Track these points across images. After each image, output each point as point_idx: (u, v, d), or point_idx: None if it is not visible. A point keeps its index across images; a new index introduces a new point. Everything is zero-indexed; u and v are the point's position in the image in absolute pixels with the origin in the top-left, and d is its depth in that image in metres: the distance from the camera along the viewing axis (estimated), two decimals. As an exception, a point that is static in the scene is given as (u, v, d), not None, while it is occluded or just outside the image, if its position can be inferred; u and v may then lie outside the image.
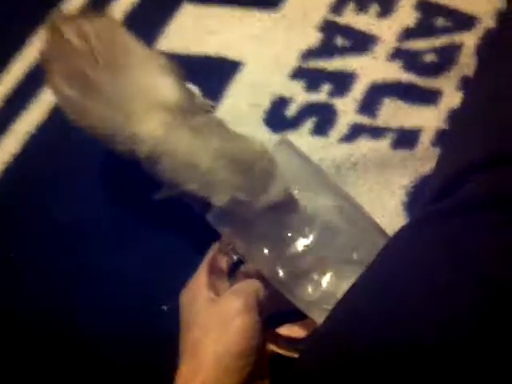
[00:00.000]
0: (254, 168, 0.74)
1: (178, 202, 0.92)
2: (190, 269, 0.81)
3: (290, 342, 0.77)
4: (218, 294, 0.75)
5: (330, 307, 0.68)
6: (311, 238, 0.76)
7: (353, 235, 0.78)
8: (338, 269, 0.76)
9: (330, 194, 0.79)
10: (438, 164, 0.78)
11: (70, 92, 0.82)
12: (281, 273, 0.76)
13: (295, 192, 0.77)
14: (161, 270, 0.93)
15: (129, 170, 0.85)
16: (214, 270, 0.78)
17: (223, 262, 0.80)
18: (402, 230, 0.66)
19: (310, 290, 0.76)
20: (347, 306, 0.65)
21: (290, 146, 0.79)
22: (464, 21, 1.10)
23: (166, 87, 0.83)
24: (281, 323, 0.80)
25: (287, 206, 0.76)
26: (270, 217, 0.76)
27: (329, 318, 0.66)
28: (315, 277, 0.76)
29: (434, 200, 0.67)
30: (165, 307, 0.90)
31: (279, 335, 0.77)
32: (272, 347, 0.76)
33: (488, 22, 1.09)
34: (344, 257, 0.76)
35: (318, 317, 0.73)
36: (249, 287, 0.74)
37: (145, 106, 0.80)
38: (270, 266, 0.77)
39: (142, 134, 0.79)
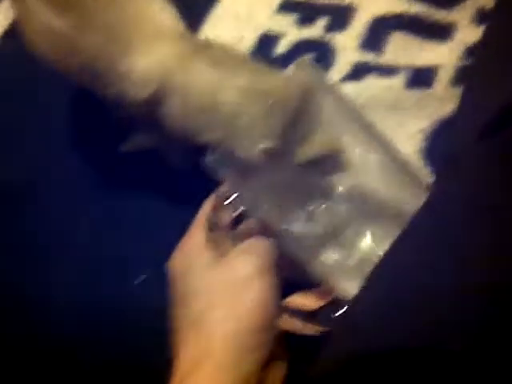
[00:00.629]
0: (292, 110, 0.58)
1: (151, 153, 0.76)
2: (172, 229, 0.64)
3: (303, 315, 0.62)
4: (221, 255, 0.59)
5: (362, 276, 0.56)
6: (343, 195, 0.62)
7: (391, 193, 0.63)
8: (374, 228, 0.61)
9: (368, 141, 0.64)
10: (467, 102, 0.65)
11: (57, 22, 0.65)
12: (300, 230, 0.60)
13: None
14: (133, 232, 0.76)
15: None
16: (212, 227, 0.62)
17: (224, 216, 0.63)
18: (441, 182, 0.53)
19: (338, 254, 0.61)
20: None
21: (315, 73, 0.63)
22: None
23: (168, 15, 0.68)
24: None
25: (331, 161, 0.61)
26: (300, 170, 0.60)
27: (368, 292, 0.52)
28: (346, 238, 0.61)
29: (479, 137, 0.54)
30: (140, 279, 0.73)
31: (288, 307, 0.61)
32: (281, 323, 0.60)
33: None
34: (381, 216, 0.61)
35: (349, 287, 0.59)
36: (260, 245, 0.59)
37: (148, 34, 0.65)
38: (287, 222, 0.62)
39: (144, 68, 0.63)
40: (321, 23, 0.92)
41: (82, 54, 0.66)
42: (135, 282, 0.75)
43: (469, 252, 0.46)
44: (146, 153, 0.78)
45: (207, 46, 0.66)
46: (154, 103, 0.64)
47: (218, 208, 0.64)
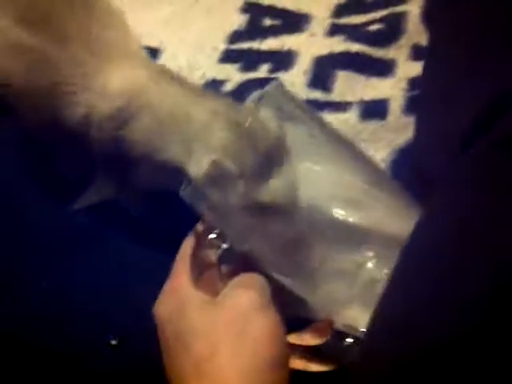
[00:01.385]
0: (262, 148, 0.56)
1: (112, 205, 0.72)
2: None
3: (303, 352, 0.57)
4: (212, 294, 0.54)
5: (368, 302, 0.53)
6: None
7: (386, 213, 0.61)
8: (377, 254, 0.58)
9: (353, 165, 0.62)
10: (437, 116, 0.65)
11: (28, 38, 0.67)
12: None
13: (307, 165, 0.60)
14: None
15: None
16: (198, 266, 0.57)
17: (209, 254, 0.58)
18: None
19: (339, 284, 0.57)
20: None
21: (286, 94, 0.61)
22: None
23: (135, 41, 0.73)
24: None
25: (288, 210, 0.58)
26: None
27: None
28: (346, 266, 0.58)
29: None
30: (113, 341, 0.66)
31: (294, 345, 0.57)
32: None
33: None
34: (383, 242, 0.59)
35: (355, 315, 0.57)
36: (254, 279, 0.54)
37: (121, 54, 0.69)
38: (279, 259, 0.58)
39: (117, 83, 0.66)
40: (264, 67, 0.92)
41: (53, 70, 0.67)
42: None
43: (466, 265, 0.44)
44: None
45: (170, 72, 0.70)
46: (123, 118, 0.65)
47: (200, 246, 0.59)
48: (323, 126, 0.64)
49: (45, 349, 0.70)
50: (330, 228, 0.61)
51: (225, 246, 0.59)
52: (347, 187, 0.64)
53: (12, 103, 0.76)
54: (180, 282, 0.55)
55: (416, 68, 0.90)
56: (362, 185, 0.64)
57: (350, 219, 0.61)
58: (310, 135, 0.63)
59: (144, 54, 0.72)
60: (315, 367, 0.56)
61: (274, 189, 0.56)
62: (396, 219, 0.61)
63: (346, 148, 0.64)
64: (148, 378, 0.65)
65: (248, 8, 1.02)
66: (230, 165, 0.55)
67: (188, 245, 0.59)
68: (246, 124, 0.56)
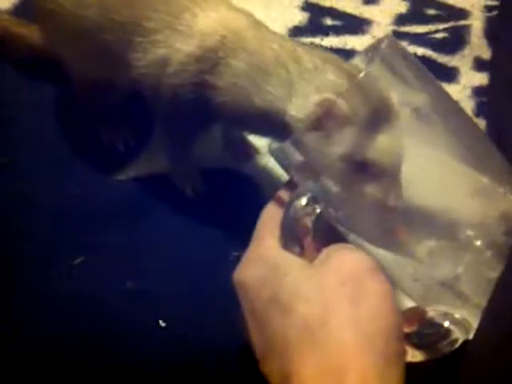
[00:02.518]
0: (371, 94, 0.51)
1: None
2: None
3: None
4: (309, 259, 0.48)
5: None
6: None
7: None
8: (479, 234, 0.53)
9: (457, 144, 0.58)
10: None
11: None
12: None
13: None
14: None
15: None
16: (290, 231, 0.51)
17: (302, 219, 0.52)
18: None
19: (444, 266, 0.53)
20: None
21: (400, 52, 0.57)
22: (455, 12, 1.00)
23: None
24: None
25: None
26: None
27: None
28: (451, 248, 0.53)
29: None
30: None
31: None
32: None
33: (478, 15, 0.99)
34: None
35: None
36: (352, 247, 0.49)
37: None
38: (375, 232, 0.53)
39: (211, 23, 0.63)
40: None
41: (136, 5, 0.64)
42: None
43: None
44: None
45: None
46: (211, 60, 0.61)
47: (291, 208, 0.54)
48: (437, 93, 0.59)
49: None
50: (425, 214, 0.56)
51: (318, 210, 0.53)
52: (437, 167, 0.59)
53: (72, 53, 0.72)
54: (268, 247, 0.49)
55: (479, 78, 0.89)
56: (453, 163, 0.59)
57: (441, 203, 0.57)
58: (417, 108, 0.58)
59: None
60: (416, 356, 0.50)
61: (381, 146, 0.52)
62: (497, 204, 0.56)
63: (456, 122, 0.59)
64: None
65: (307, 7, 1.00)
66: (343, 105, 0.50)
67: (271, 210, 0.54)
68: (360, 75, 0.51)
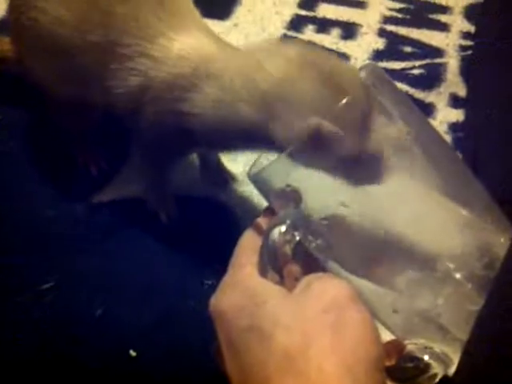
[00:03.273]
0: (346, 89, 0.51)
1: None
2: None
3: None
4: (288, 286, 0.47)
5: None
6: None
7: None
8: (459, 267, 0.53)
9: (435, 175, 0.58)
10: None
11: None
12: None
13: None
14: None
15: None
16: (267, 259, 0.50)
17: (282, 246, 0.51)
18: None
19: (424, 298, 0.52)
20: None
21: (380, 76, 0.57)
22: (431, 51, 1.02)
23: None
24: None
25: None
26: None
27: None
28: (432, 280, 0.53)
29: None
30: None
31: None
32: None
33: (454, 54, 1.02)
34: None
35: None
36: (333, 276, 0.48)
37: (193, 22, 0.65)
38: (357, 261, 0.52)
39: (184, 49, 0.62)
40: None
41: (110, 25, 0.63)
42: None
43: None
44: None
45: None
46: (185, 87, 0.60)
47: (268, 237, 0.53)
48: (417, 121, 0.59)
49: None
50: (405, 245, 0.56)
51: (297, 238, 0.52)
52: (417, 198, 0.59)
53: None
54: (246, 275, 0.48)
55: (455, 114, 0.90)
56: (434, 195, 0.59)
57: (421, 234, 0.56)
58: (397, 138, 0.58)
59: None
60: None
61: (376, 140, 0.53)
62: (477, 236, 0.56)
63: (436, 153, 0.59)
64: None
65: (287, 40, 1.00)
66: (330, 126, 0.50)
67: (249, 237, 0.53)
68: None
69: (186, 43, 0.62)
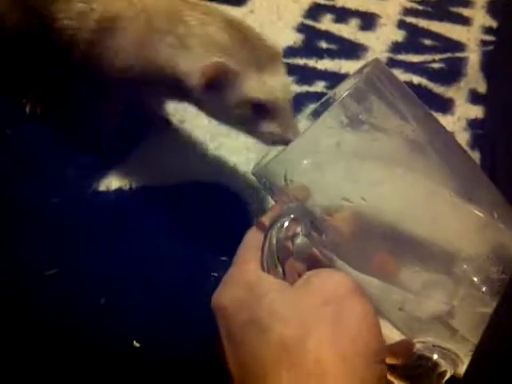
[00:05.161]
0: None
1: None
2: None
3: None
4: (290, 280, 0.47)
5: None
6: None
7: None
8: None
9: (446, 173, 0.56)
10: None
11: None
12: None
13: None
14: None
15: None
16: (273, 254, 0.49)
17: (284, 241, 0.50)
18: None
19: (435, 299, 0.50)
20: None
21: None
22: (452, 45, 1.00)
23: None
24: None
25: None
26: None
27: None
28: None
29: None
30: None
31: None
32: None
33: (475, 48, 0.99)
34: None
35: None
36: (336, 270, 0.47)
37: None
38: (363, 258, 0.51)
39: None
40: (321, 84, 0.88)
41: None
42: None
43: None
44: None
45: None
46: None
47: (271, 232, 0.51)
48: (427, 120, 0.58)
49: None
50: (421, 245, 0.54)
51: (300, 233, 0.51)
52: (432, 199, 0.57)
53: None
54: (248, 270, 0.48)
55: (474, 111, 0.88)
56: (449, 196, 0.57)
57: (436, 236, 0.55)
58: (406, 134, 0.57)
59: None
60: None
61: (271, 86, 0.59)
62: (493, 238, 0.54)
63: (448, 152, 0.57)
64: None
65: (303, 29, 0.99)
66: (231, 63, 0.58)
67: (253, 234, 0.52)
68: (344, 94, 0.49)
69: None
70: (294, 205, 0.50)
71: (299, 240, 0.51)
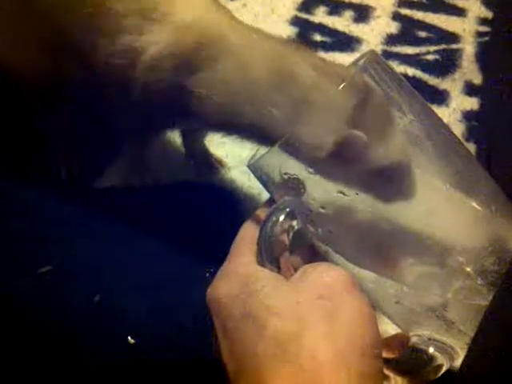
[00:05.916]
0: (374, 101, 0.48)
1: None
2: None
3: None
4: (286, 275, 0.46)
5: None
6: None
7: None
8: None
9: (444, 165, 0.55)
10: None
11: None
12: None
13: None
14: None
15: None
16: (268, 248, 0.49)
17: (280, 235, 0.50)
18: None
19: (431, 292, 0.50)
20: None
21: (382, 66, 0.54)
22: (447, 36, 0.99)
23: None
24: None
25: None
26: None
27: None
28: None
29: None
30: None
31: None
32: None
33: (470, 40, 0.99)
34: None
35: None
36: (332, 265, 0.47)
37: None
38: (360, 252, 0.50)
39: (190, 16, 0.55)
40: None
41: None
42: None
43: None
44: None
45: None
46: (190, 60, 0.54)
47: (266, 225, 0.51)
48: (424, 112, 0.57)
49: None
50: (414, 238, 0.54)
51: (296, 227, 0.51)
52: (431, 192, 0.57)
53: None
54: (243, 264, 0.47)
55: (469, 103, 0.87)
56: (447, 189, 0.57)
57: (433, 229, 0.54)
58: (402, 125, 0.56)
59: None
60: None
61: (394, 148, 0.50)
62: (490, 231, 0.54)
63: (445, 145, 0.57)
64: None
65: (296, 22, 0.98)
66: (362, 136, 0.47)
67: (248, 227, 0.51)
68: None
69: (192, 12, 0.56)
70: (290, 198, 0.50)
71: (295, 233, 0.51)
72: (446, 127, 0.58)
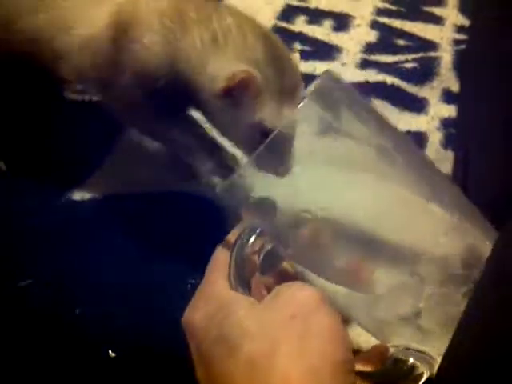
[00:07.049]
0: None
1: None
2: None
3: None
4: (257, 297, 0.47)
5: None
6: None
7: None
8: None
9: (409, 177, 0.56)
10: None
11: None
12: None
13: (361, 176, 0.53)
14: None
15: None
16: (241, 271, 0.50)
17: (251, 257, 0.50)
18: None
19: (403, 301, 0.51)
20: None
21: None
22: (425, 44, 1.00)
23: None
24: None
25: None
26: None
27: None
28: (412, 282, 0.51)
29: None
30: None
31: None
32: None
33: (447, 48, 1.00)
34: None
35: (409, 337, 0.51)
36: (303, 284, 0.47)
37: None
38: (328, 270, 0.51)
39: None
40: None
41: None
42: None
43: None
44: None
45: None
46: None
47: (236, 248, 0.51)
48: (388, 129, 0.58)
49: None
50: (383, 247, 0.54)
51: (266, 248, 0.51)
52: (401, 204, 0.57)
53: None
54: (217, 288, 0.48)
55: (447, 110, 0.88)
56: (417, 200, 0.57)
57: (404, 239, 0.55)
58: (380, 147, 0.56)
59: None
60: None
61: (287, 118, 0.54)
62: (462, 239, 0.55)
63: (413, 158, 0.57)
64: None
65: (276, 31, 0.98)
66: (258, 78, 0.54)
67: (220, 253, 0.52)
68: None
69: None
70: (259, 220, 0.51)
71: (266, 254, 0.52)
72: (409, 141, 0.59)
